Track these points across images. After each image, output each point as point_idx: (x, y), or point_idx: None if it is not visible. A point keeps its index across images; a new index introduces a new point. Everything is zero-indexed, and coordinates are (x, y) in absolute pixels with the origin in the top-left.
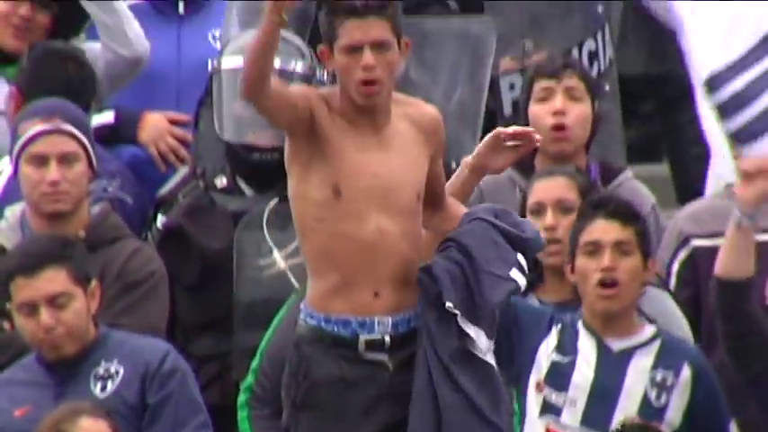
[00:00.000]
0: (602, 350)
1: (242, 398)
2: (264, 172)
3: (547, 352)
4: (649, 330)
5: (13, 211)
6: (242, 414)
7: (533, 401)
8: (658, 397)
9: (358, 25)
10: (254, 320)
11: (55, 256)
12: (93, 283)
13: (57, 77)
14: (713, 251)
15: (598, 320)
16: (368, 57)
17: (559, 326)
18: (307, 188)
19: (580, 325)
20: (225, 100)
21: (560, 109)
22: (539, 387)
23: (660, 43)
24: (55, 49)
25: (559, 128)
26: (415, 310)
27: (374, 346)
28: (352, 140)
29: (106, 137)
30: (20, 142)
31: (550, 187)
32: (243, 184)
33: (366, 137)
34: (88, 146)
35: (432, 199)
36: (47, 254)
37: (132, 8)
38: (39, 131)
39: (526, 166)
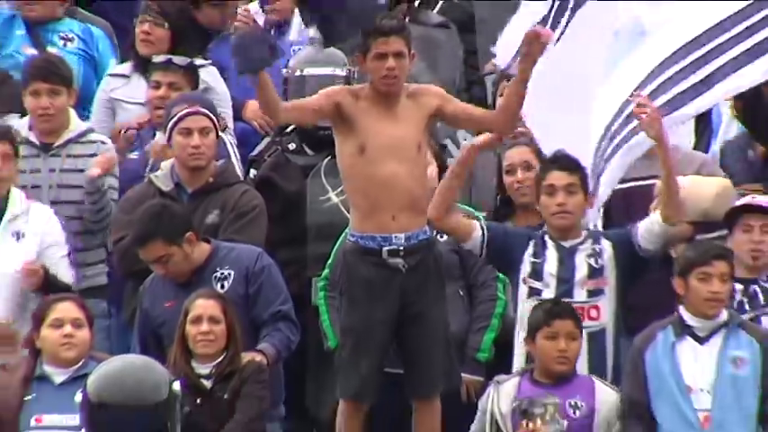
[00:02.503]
0: (560, 249)
1: (320, 284)
2: (322, 140)
3: (528, 257)
4: (585, 233)
5: (166, 164)
6: (320, 294)
7: (523, 290)
8: (597, 264)
9: (385, 41)
10: (320, 236)
11: (150, 233)
12: (188, 234)
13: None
14: None
15: (556, 233)
16: (390, 62)
17: (534, 241)
18: (344, 147)
19: (546, 237)
20: (295, 94)
21: None
22: (524, 281)
23: None
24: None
25: None
26: (421, 229)
27: (393, 253)
28: (375, 113)
29: None
30: (173, 120)
31: (518, 153)
32: (306, 147)
33: (383, 112)
34: (216, 123)
35: (473, 119)
36: (143, 233)
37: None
38: (187, 112)
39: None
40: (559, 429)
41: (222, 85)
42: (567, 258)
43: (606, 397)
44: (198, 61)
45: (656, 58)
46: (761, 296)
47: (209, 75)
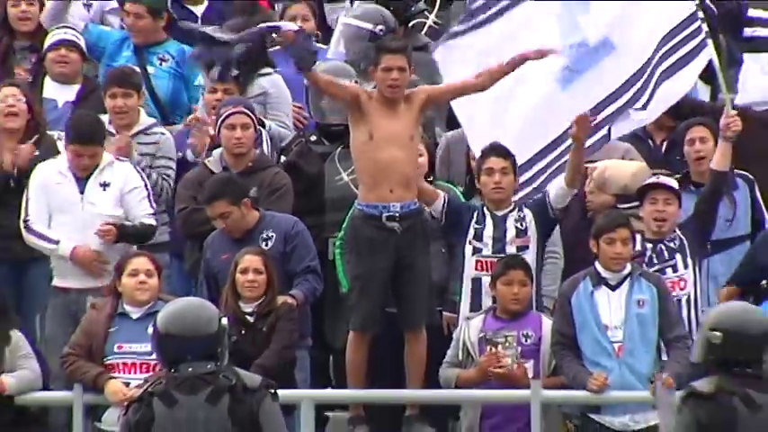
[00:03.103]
0: (495, 217)
1: (337, 243)
2: (336, 133)
3: (473, 224)
4: (513, 204)
5: (217, 152)
6: (337, 251)
7: (468, 250)
8: (522, 227)
9: (392, 58)
10: (335, 207)
11: (218, 194)
12: (245, 200)
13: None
14: None
15: (492, 204)
16: (395, 74)
17: (476, 211)
18: (356, 135)
19: (485, 209)
20: (315, 99)
21: None
22: (470, 242)
23: None
24: None
25: None
26: (412, 201)
27: (390, 218)
28: (381, 112)
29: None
30: (221, 117)
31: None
32: (324, 139)
33: (387, 110)
34: (255, 120)
35: (460, 91)
36: (214, 193)
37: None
38: (232, 111)
39: None
40: (515, 353)
41: (282, 91)
42: (500, 223)
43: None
44: (265, 69)
45: (625, 72)
46: (665, 253)
47: (270, 81)
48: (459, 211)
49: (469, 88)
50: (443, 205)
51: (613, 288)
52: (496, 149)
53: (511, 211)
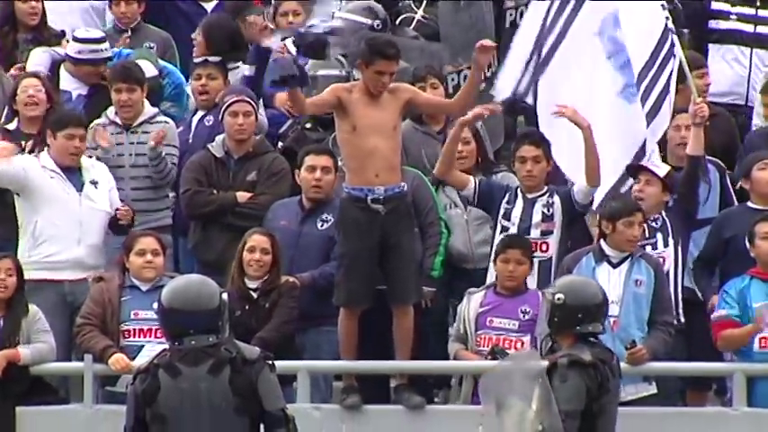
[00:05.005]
0: (525, 199)
1: None
2: (328, 120)
3: (504, 204)
4: (546, 188)
5: (219, 137)
6: None
7: (498, 228)
8: (548, 212)
9: (386, 63)
10: None
11: (328, 151)
12: (340, 170)
13: None
14: None
15: (524, 188)
16: (386, 78)
17: (510, 192)
18: (342, 126)
19: (518, 190)
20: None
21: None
22: (499, 220)
23: None
24: None
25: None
26: (396, 185)
27: (375, 201)
28: (365, 103)
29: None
30: (225, 105)
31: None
32: (318, 126)
33: (371, 102)
34: (256, 109)
35: (437, 106)
36: (325, 148)
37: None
38: (235, 100)
39: (420, 120)
40: None
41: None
42: (528, 207)
43: None
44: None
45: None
46: (647, 231)
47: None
48: (491, 192)
49: (446, 108)
50: (475, 188)
51: (614, 266)
52: (529, 137)
53: (541, 196)
